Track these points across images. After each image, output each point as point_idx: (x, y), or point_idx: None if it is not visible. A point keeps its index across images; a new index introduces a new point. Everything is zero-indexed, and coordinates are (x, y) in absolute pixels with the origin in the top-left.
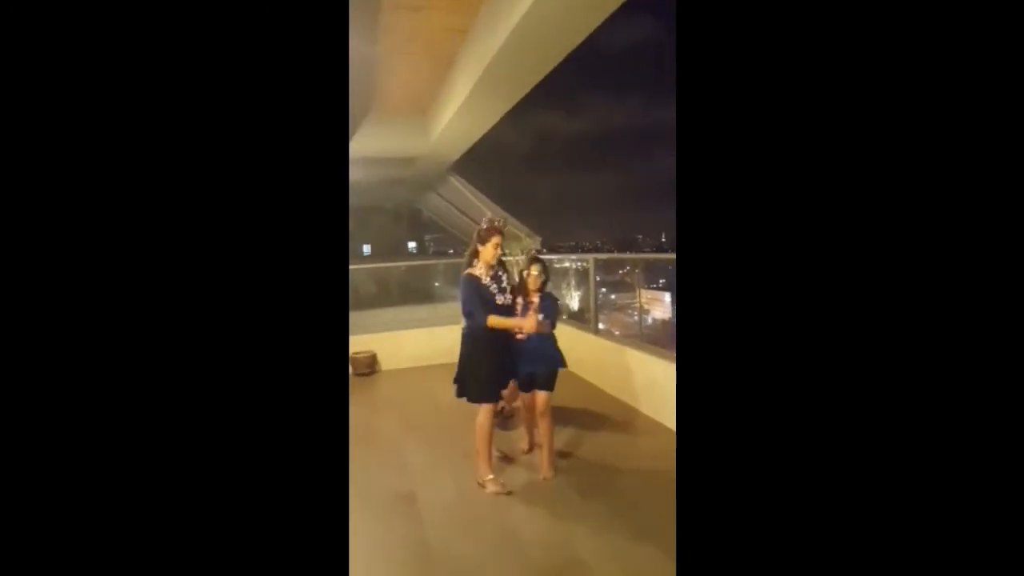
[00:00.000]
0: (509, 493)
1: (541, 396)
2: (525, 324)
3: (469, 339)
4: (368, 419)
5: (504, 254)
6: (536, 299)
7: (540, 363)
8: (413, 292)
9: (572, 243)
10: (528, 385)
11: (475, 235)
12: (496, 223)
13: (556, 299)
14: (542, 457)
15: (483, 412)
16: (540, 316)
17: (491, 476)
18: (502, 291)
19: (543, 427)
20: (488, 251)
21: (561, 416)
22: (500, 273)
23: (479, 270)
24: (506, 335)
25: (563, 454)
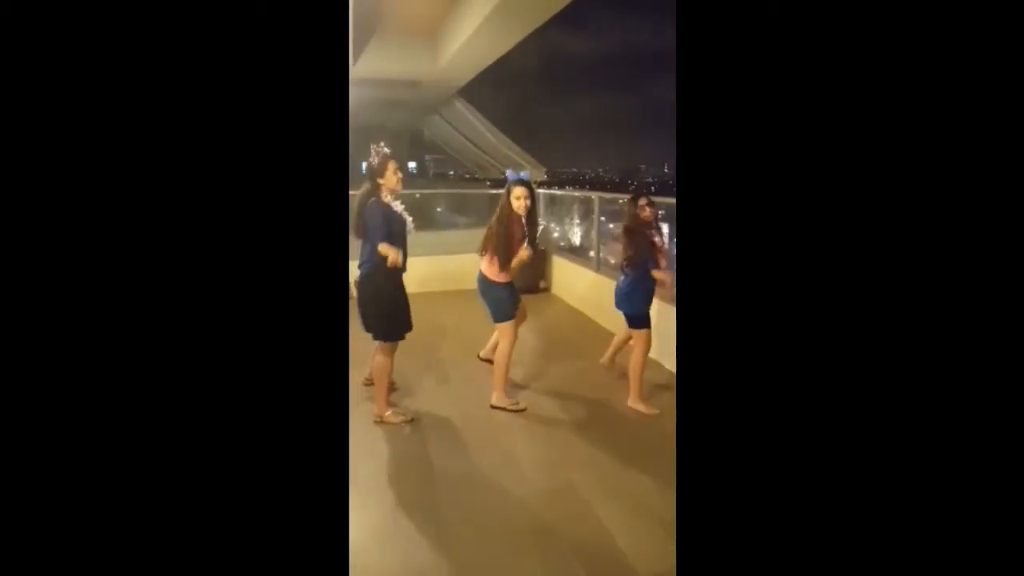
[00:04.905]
0: (411, 420)
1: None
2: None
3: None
4: (369, 345)
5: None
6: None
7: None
8: (415, 218)
9: (574, 170)
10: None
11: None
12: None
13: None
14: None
15: (378, 349)
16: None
17: (389, 412)
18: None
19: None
20: (390, 179)
21: (561, 352)
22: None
23: (385, 196)
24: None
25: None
